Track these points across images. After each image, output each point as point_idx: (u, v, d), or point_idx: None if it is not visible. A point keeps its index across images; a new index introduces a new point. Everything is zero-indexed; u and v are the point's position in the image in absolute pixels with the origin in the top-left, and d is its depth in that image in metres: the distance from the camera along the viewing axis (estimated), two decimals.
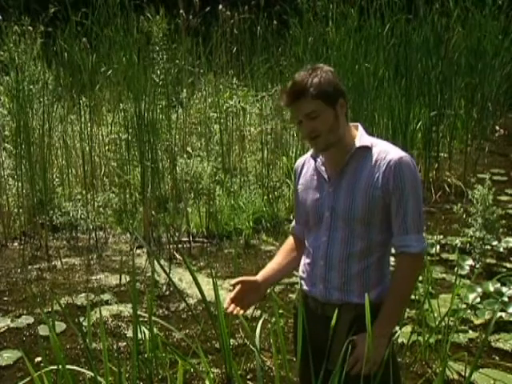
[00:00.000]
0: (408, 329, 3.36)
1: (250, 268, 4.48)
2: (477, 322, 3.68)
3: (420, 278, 3.32)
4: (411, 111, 6.50)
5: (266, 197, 5.62)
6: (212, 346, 3.47)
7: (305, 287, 2.05)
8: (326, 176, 2.00)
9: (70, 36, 6.92)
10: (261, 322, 2.80)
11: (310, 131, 1.90)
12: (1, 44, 5.41)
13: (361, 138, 1.97)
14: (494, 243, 4.61)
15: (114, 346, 3.44)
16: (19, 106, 5.17)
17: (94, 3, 6.87)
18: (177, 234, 5.10)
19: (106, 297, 4.12)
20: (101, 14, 6.81)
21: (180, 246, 5.04)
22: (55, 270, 4.68)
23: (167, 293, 4.27)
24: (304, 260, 2.08)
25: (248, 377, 3.19)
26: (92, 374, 2.47)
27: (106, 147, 6.17)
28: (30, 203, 5.35)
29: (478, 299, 3.83)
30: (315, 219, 2.01)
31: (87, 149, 5.76)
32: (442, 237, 4.90)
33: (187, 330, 3.70)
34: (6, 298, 4.20)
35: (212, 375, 2.90)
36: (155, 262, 3.08)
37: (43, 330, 3.61)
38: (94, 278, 4.52)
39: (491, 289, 3.96)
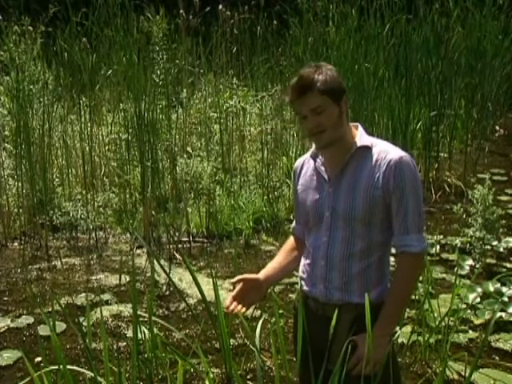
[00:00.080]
0: (408, 329, 3.36)
1: (250, 268, 4.48)
2: (477, 321, 3.68)
3: (420, 277, 3.32)
4: (411, 111, 6.50)
5: (265, 197, 5.62)
6: (212, 346, 3.47)
7: (305, 287, 2.05)
8: (325, 176, 2.00)
9: (70, 36, 6.92)
10: (261, 322, 2.80)
11: (315, 126, 1.90)
12: (1, 44, 5.41)
13: (361, 137, 1.97)
14: (494, 243, 4.61)
15: (114, 346, 3.44)
16: (19, 106, 5.17)
17: (94, 3, 6.87)
18: (177, 234, 5.10)
19: (106, 297, 4.12)
20: (101, 14, 6.81)
21: (180, 246, 5.04)
22: (55, 270, 4.68)
23: (167, 293, 4.27)
24: (304, 260, 2.08)
25: (248, 377, 3.19)
26: (92, 374, 2.47)
27: (106, 147, 6.17)
28: (29, 203, 5.35)
29: (478, 299, 3.83)
30: (315, 219, 2.01)
31: (87, 149, 5.76)
32: (441, 237, 4.90)
33: (187, 330, 3.70)
34: (5, 298, 4.20)
35: (212, 375, 2.90)
36: (155, 261, 3.08)
37: (43, 330, 3.61)
38: (93, 277, 4.52)
39: (491, 289, 3.96)
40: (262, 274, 2.08)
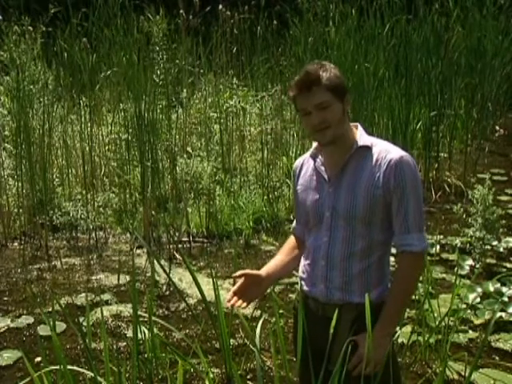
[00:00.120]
0: (408, 329, 3.36)
1: (250, 268, 4.46)
2: (477, 322, 3.68)
3: (420, 277, 3.32)
4: (411, 111, 6.50)
5: (265, 197, 5.62)
6: (212, 346, 3.47)
7: (305, 288, 2.05)
8: (325, 176, 2.00)
9: (70, 36, 6.92)
10: (261, 322, 2.80)
11: (319, 122, 1.90)
12: (1, 44, 5.41)
13: (361, 137, 1.98)
14: (494, 243, 4.61)
15: (114, 346, 3.44)
16: (19, 106, 5.17)
17: (94, 3, 6.88)
18: (177, 234, 5.10)
19: (106, 297, 4.12)
20: (101, 14, 6.81)
21: (180, 246, 5.04)
22: (55, 270, 4.68)
23: (167, 293, 4.27)
24: (304, 260, 2.08)
25: (248, 377, 3.19)
26: (92, 374, 2.47)
27: (106, 147, 6.17)
28: (30, 203, 5.35)
29: (478, 299, 3.83)
30: (315, 219, 2.01)
31: (87, 149, 5.76)
32: (442, 237, 4.90)
33: (187, 330, 3.70)
34: (5, 298, 4.20)
35: (212, 375, 2.90)
36: (155, 261, 3.08)
37: (43, 330, 3.61)
38: (94, 277, 4.52)
39: (491, 289, 3.96)
40: (263, 271, 2.08)
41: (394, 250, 2.06)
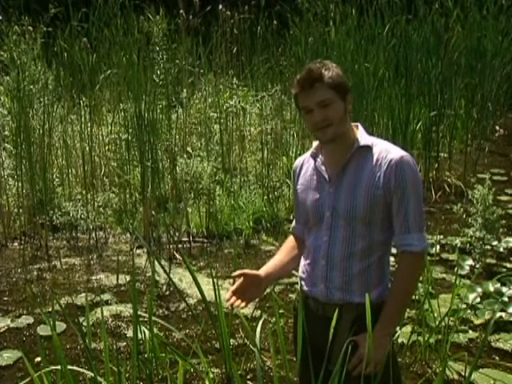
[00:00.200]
0: (408, 329, 3.36)
1: (250, 268, 4.45)
2: (477, 322, 3.68)
3: (420, 277, 3.32)
4: (411, 111, 6.50)
5: (265, 197, 5.62)
6: (212, 346, 3.47)
7: (305, 288, 2.05)
8: (326, 176, 2.00)
9: (70, 36, 6.92)
10: (261, 322, 2.80)
11: (321, 119, 1.90)
12: (1, 44, 5.41)
13: (361, 137, 1.98)
14: (494, 243, 4.61)
15: (114, 346, 3.44)
16: (19, 106, 5.17)
17: (94, 3, 6.88)
18: (177, 234, 5.10)
19: (106, 297, 4.12)
20: (101, 14, 6.82)
21: (180, 246, 5.04)
22: (55, 270, 4.68)
23: (167, 293, 4.27)
24: (304, 260, 2.07)
25: (248, 377, 3.19)
26: (92, 374, 2.47)
27: (106, 147, 6.17)
28: (30, 203, 5.35)
29: (478, 299, 3.83)
30: (316, 219, 2.01)
31: (87, 149, 5.76)
32: (442, 237, 4.90)
33: (187, 330, 3.70)
34: (5, 298, 4.20)
35: (212, 375, 2.90)
36: (155, 261, 3.08)
37: (43, 330, 3.61)
38: (94, 278, 4.52)
39: (491, 289, 3.96)
40: (262, 271, 2.08)
41: (394, 250, 2.06)
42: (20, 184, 5.26)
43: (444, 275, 4.32)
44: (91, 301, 3.96)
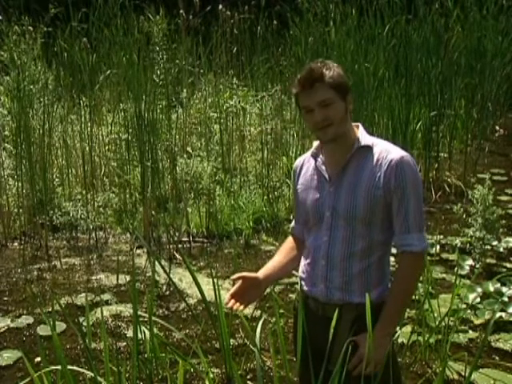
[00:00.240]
0: (408, 329, 3.36)
1: (250, 268, 4.47)
2: (477, 322, 3.68)
3: (420, 277, 3.32)
4: (411, 111, 6.50)
5: (265, 197, 5.62)
6: (212, 346, 3.47)
7: (305, 287, 2.05)
8: (326, 175, 2.00)
9: (70, 36, 6.92)
10: (261, 322, 2.80)
11: (322, 119, 1.90)
12: (1, 44, 5.41)
13: (362, 137, 1.98)
14: (494, 243, 4.61)
15: (114, 346, 3.44)
16: (19, 106, 5.17)
17: (94, 3, 6.88)
18: (177, 234, 5.10)
19: (106, 297, 4.12)
20: (101, 14, 6.82)
21: (180, 246, 5.04)
22: (55, 270, 4.68)
23: (167, 293, 4.27)
24: (304, 260, 2.07)
25: (248, 377, 3.19)
26: (92, 374, 2.47)
27: (106, 147, 6.17)
28: (29, 203, 5.35)
29: (478, 299, 3.83)
30: (316, 219, 2.01)
31: (87, 149, 5.76)
32: (442, 237, 4.90)
33: (187, 330, 3.70)
34: (5, 298, 4.20)
35: (212, 375, 2.90)
36: (155, 261, 3.08)
37: (43, 330, 3.61)
38: (94, 278, 4.52)
39: (491, 289, 3.96)
40: (261, 273, 2.08)
41: (394, 250, 2.06)
42: (20, 184, 5.26)
43: (444, 275, 4.31)
44: (91, 301, 3.96)
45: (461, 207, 4.86)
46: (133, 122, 5.33)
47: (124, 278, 4.35)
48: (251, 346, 2.97)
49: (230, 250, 4.92)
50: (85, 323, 3.21)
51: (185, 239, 5.16)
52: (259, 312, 3.32)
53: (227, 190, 5.62)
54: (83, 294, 4.12)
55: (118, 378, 2.47)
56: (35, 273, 4.61)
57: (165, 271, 3.06)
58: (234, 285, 2.05)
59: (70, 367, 2.42)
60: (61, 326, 3.64)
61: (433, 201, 5.98)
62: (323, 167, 2.01)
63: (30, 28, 5.63)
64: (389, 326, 1.92)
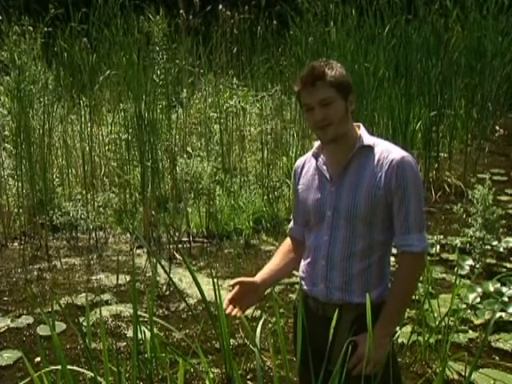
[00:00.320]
0: (408, 329, 3.36)
1: (250, 268, 4.48)
2: (477, 322, 3.68)
3: (420, 277, 3.32)
4: (411, 111, 6.50)
5: (265, 197, 5.62)
6: (212, 346, 3.47)
7: (305, 287, 2.05)
8: (327, 175, 2.00)
9: (70, 36, 6.93)
10: (261, 322, 2.80)
11: (321, 118, 1.90)
12: (1, 44, 5.41)
13: (363, 137, 1.98)
14: (494, 243, 4.61)
15: (114, 346, 3.44)
16: (19, 106, 5.17)
17: (94, 3, 6.88)
18: (177, 234, 5.10)
19: (106, 297, 4.12)
20: (101, 14, 6.82)
21: (180, 246, 5.04)
22: (55, 269, 4.68)
23: (167, 293, 4.27)
24: (304, 260, 2.07)
25: (248, 377, 3.19)
26: (92, 374, 2.47)
27: (106, 147, 6.17)
28: (30, 203, 5.35)
29: (478, 299, 3.83)
30: (316, 218, 2.01)
31: (87, 149, 5.76)
32: (442, 237, 4.90)
33: (187, 330, 3.70)
34: (6, 298, 4.20)
35: (212, 375, 2.90)
36: (155, 261, 3.08)
37: (43, 330, 3.61)
38: (94, 278, 4.52)
39: (491, 289, 3.96)
40: (258, 277, 2.07)
41: (394, 250, 2.06)
42: (20, 184, 5.26)
43: (444, 275, 4.31)
44: (91, 301, 3.96)
45: (461, 207, 4.86)
46: (133, 122, 5.33)
47: (124, 278, 4.36)
48: (251, 346, 2.97)
49: (230, 250, 4.92)
50: (85, 323, 3.21)
51: (185, 239, 5.16)
52: (259, 312, 3.32)
53: (227, 190, 5.62)
54: (83, 294, 4.12)
55: (117, 378, 2.47)
56: (35, 273, 4.61)
57: (165, 271, 3.06)
58: (231, 290, 2.05)
59: (69, 367, 2.42)
60: (61, 326, 3.64)
61: (433, 201, 5.98)
62: (324, 167, 2.01)
63: (30, 28, 5.63)
64: (389, 325, 1.92)
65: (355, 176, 1.94)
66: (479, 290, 3.94)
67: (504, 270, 4.36)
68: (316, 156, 2.06)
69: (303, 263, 2.07)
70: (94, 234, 5.24)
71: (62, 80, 6.58)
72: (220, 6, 7.12)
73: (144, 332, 2.92)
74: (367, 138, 1.98)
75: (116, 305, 4.02)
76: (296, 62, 7.45)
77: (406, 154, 1.92)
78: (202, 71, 7.12)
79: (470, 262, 4.47)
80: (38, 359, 3.27)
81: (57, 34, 6.93)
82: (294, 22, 8.03)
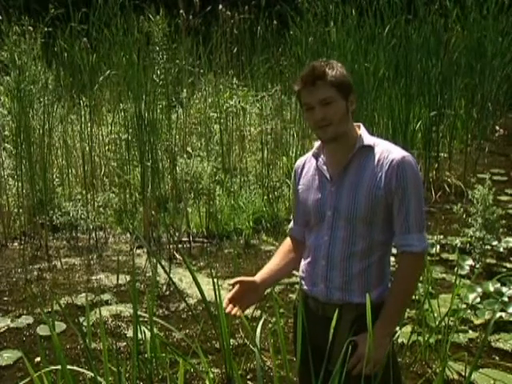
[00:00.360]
0: (408, 329, 3.36)
1: (250, 268, 4.48)
2: (477, 322, 3.68)
3: (420, 277, 3.32)
4: (411, 111, 6.51)
5: (265, 197, 5.62)
6: (212, 346, 3.47)
7: (305, 287, 2.05)
8: (327, 175, 2.00)
9: (70, 36, 6.93)
10: (261, 322, 2.80)
11: (321, 118, 1.90)
12: (1, 44, 5.42)
13: (363, 137, 1.98)
14: (494, 243, 4.61)
15: (114, 346, 3.44)
16: (19, 106, 5.17)
17: (94, 3, 6.88)
18: (177, 234, 5.10)
19: (106, 297, 4.12)
20: (101, 14, 6.82)
21: (180, 246, 5.04)
22: (55, 269, 4.68)
23: (167, 293, 4.27)
24: (304, 260, 2.07)
25: (248, 377, 3.19)
26: (92, 374, 2.47)
27: (106, 147, 6.17)
28: (30, 203, 5.35)
29: (478, 299, 3.83)
30: (317, 218, 2.01)
31: (87, 149, 5.76)
32: (442, 237, 4.90)
33: (187, 330, 3.70)
34: (5, 298, 4.20)
35: (212, 375, 2.90)
36: (155, 261, 3.08)
37: (43, 330, 3.61)
38: (94, 278, 4.52)
39: (491, 289, 3.96)
40: (258, 277, 2.07)
41: (394, 250, 2.06)
42: (20, 184, 5.26)
43: (444, 275, 4.32)
44: (91, 301, 3.96)
45: (461, 207, 4.86)
46: (133, 121, 5.33)
47: (124, 278, 4.36)
48: (251, 346, 2.97)
49: (230, 250, 4.92)
50: (85, 323, 3.21)
51: (185, 239, 5.16)
52: (259, 312, 3.32)
53: (227, 189, 5.62)
54: (83, 294, 4.12)
55: (117, 378, 2.47)
56: (35, 273, 4.61)
57: (165, 271, 3.06)
58: (231, 289, 2.05)
59: (69, 367, 2.42)
60: (61, 326, 3.64)
61: (433, 201, 5.98)
62: (324, 167, 2.01)
63: (30, 28, 5.63)
64: (389, 325, 1.92)
65: (355, 176, 1.94)
66: (479, 289, 3.94)
67: (504, 269, 4.36)
68: (316, 156, 2.06)
69: (303, 263, 2.07)
70: (93, 234, 5.24)
71: (62, 80, 6.58)
72: (220, 6, 7.12)
73: (144, 332, 2.93)
74: (367, 138, 1.98)
75: (116, 305, 4.02)
76: (296, 61, 7.45)
77: (407, 153, 1.92)
78: (201, 71, 7.12)
79: (470, 261, 4.47)
80: (38, 359, 3.27)
81: (57, 33, 6.93)
82: (294, 22, 8.03)
